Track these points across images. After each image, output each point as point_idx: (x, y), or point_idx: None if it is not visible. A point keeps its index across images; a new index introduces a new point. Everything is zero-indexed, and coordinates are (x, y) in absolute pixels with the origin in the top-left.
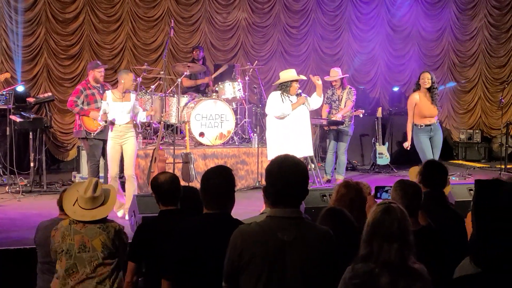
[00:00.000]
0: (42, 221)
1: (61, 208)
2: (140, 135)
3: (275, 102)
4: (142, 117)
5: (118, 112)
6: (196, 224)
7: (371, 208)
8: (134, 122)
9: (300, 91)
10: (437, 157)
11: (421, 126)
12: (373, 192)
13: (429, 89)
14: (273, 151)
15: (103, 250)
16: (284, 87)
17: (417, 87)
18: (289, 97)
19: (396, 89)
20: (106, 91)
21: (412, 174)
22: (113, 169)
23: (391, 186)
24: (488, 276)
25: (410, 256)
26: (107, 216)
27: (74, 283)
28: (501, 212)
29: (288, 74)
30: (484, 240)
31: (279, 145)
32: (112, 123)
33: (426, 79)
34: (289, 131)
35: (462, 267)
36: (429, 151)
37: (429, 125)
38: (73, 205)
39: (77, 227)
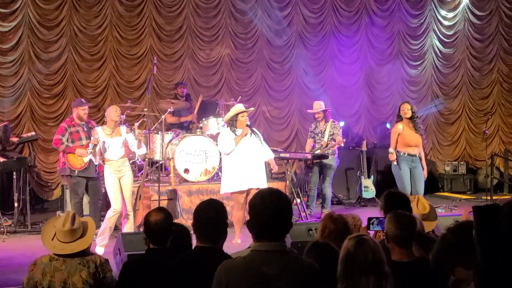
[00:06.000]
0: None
1: None
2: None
3: (222, 138)
4: (140, 151)
5: (111, 147)
6: (188, 259)
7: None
8: (131, 155)
9: (248, 122)
10: (421, 191)
11: (404, 154)
12: (364, 224)
13: (411, 119)
14: (224, 185)
15: (84, 287)
16: (231, 123)
17: (399, 118)
18: (236, 132)
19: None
20: (96, 128)
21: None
22: (117, 204)
23: (383, 217)
24: None
25: (388, 287)
26: (87, 249)
27: None
28: (503, 237)
29: (233, 109)
30: (489, 266)
31: (230, 179)
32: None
33: (406, 110)
34: (239, 165)
35: None
36: (408, 181)
37: (412, 155)
38: (52, 239)
39: (58, 263)
